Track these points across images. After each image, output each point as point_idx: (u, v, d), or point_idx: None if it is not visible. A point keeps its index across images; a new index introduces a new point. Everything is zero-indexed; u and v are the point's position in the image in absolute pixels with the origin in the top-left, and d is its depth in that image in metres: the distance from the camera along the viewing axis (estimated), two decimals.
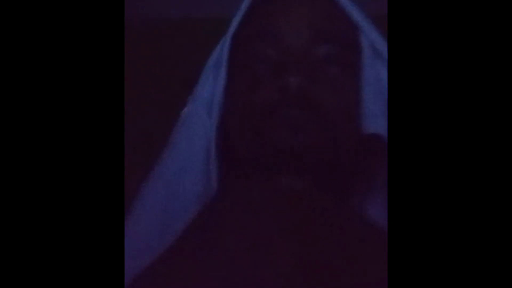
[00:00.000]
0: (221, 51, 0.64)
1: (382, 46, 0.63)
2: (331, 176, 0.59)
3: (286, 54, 0.59)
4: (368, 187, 0.64)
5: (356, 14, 0.64)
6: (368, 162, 0.62)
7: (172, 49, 1.31)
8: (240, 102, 0.61)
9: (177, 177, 0.64)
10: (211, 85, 0.64)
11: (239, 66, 0.62)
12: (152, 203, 0.64)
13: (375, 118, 0.60)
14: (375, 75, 0.62)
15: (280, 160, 0.58)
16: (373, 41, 0.63)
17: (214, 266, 0.52)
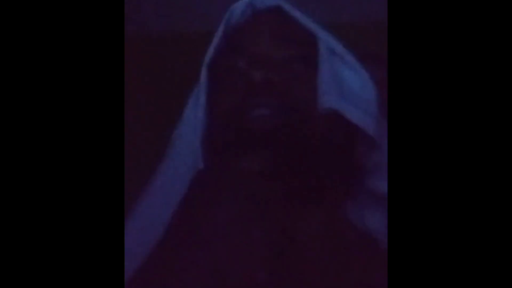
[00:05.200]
0: (200, 79, 0.73)
1: (336, 45, 0.73)
2: (299, 155, 0.67)
3: (252, 59, 0.69)
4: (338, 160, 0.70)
5: (312, 26, 0.74)
6: (332, 138, 0.69)
7: (170, 62, 1.31)
8: (217, 108, 0.70)
9: (169, 187, 0.71)
10: (194, 107, 0.73)
11: (215, 88, 0.72)
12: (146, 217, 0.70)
13: (329, 96, 0.69)
14: (330, 67, 0.71)
15: (253, 143, 0.66)
16: (328, 42, 0.73)
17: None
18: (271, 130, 0.66)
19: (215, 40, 0.73)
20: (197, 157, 0.69)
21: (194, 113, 0.72)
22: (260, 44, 0.70)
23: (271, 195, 0.65)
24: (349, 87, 0.71)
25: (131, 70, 0.80)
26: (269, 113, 0.67)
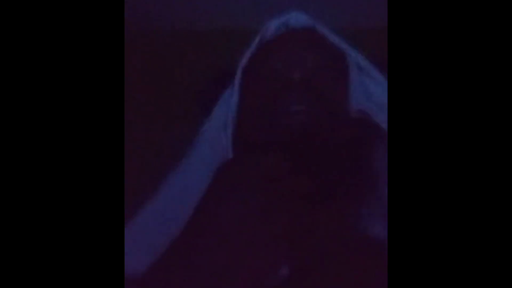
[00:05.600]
0: (233, 82, 0.77)
1: (363, 61, 0.80)
2: (325, 152, 0.70)
3: (288, 62, 0.73)
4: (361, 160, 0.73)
5: (340, 43, 0.80)
6: (358, 137, 0.73)
7: (171, 60, 1.31)
8: (254, 107, 0.74)
9: (191, 182, 0.73)
10: (226, 106, 0.76)
11: (252, 83, 0.76)
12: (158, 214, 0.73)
13: (359, 100, 0.76)
14: (358, 78, 0.79)
15: (284, 139, 0.70)
16: (357, 58, 0.80)
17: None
18: (305, 125, 0.70)
19: (251, 48, 0.77)
20: (226, 151, 0.72)
21: (224, 111, 0.76)
22: (295, 52, 0.75)
23: (295, 191, 0.66)
24: (375, 95, 0.78)
25: (131, 68, 0.80)
26: (305, 108, 0.71)
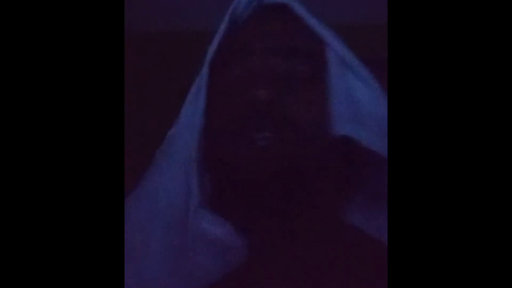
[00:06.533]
0: (201, 76, 0.68)
1: (351, 59, 0.68)
2: (301, 182, 0.63)
3: (254, 71, 0.64)
4: (341, 189, 0.67)
5: (320, 29, 0.68)
6: (341, 165, 0.65)
7: (169, 61, 1.31)
8: (217, 118, 0.65)
9: (158, 195, 0.67)
10: (193, 108, 0.68)
11: (216, 88, 0.67)
12: (133, 222, 0.66)
13: (343, 122, 0.63)
14: (344, 86, 0.66)
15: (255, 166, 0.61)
16: (341, 55, 0.67)
17: None
18: (273, 150, 0.61)
19: (218, 35, 0.68)
20: (193, 156, 0.65)
21: (192, 114, 0.68)
22: (264, 53, 0.64)
23: (273, 198, 0.62)
24: (362, 105, 0.65)
25: (131, 68, 0.80)
26: (272, 136, 0.61)
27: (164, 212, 0.65)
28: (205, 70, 0.68)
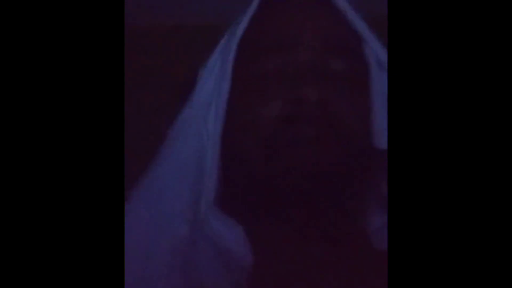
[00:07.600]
0: (224, 61, 0.62)
1: (382, 54, 0.62)
2: (342, 195, 0.58)
3: (300, 66, 0.57)
4: (365, 199, 0.64)
5: (359, 23, 0.62)
6: (378, 177, 0.61)
7: (170, 54, 1.31)
8: (247, 116, 0.59)
9: (163, 196, 0.62)
10: (209, 92, 0.62)
11: (243, 79, 0.60)
12: (135, 221, 0.61)
13: (385, 136, 0.58)
14: (382, 89, 0.61)
15: (291, 182, 0.56)
16: (377, 52, 0.62)
17: None
18: (316, 164, 0.55)
19: (247, 16, 0.61)
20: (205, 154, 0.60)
21: (206, 97, 0.62)
22: (309, 47, 0.58)
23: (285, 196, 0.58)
24: None
25: (131, 64, 0.80)
26: (313, 137, 0.55)
27: (169, 217, 0.60)
28: (231, 54, 0.61)
